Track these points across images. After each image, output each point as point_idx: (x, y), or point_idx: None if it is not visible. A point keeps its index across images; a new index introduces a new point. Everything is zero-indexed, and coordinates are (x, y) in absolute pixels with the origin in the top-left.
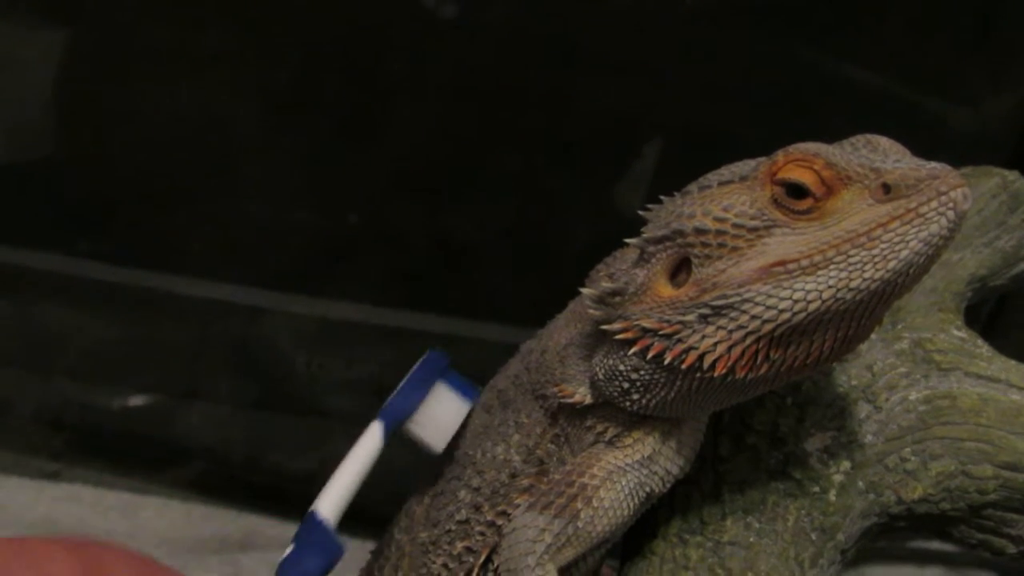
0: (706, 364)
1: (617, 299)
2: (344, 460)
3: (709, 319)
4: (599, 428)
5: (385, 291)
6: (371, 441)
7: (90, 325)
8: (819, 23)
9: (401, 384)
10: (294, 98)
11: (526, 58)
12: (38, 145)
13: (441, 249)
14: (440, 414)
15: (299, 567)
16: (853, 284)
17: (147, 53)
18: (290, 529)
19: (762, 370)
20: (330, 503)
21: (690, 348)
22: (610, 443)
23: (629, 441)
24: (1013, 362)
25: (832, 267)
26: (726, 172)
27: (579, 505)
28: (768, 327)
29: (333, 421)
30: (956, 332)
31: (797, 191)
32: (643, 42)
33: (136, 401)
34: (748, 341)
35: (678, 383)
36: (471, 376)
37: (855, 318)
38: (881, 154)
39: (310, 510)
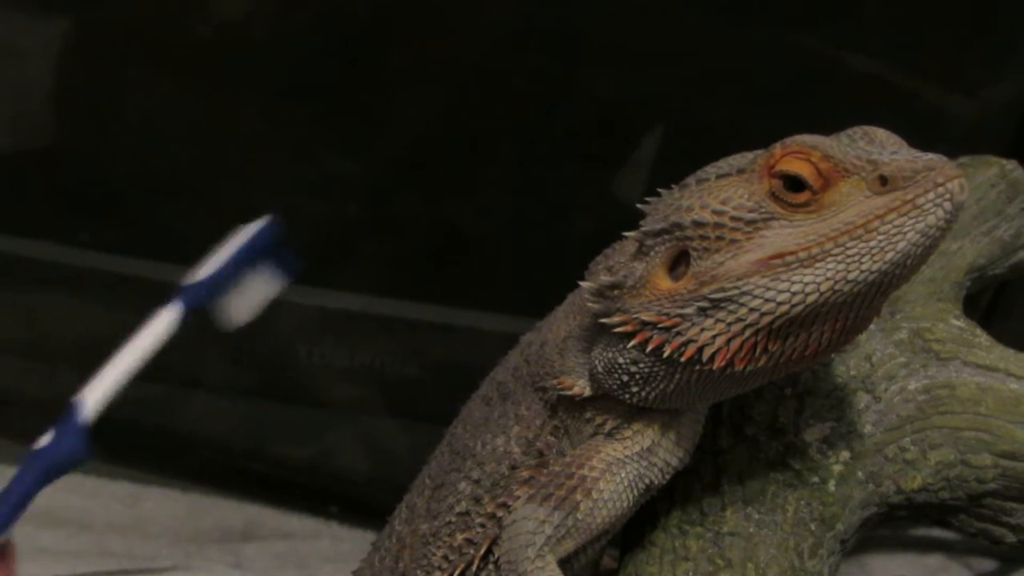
0: (705, 357)
1: (616, 292)
2: (128, 345)
3: (708, 312)
4: (598, 420)
5: (386, 281)
6: (162, 328)
7: (91, 314)
8: (818, 12)
9: (215, 262)
10: (295, 88)
11: (527, 48)
12: (39, 135)
13: (441, 239)
14: (246, 296)
15: (43, 460)
16: (851, 276)
17: (147, 42)
18: (291, 519)
19: (761, 362)
20: (96, 399)
21: (689, 341)
22: (609, 435)
23: (628, 433)
24: (1012, 351)
25: (830, 259)
26: (724, 165)
27: (579, 497)
28: (766, 319)
29: (334, 411)
30: (955, 322)
31: (794, 183)
32: (643, 32)
33: (137, 391)
34: (747, 334)
35: (677, 376)
36: (471, 370)
37: (853, 309)
38: (878, 146)
39: (74, 401)
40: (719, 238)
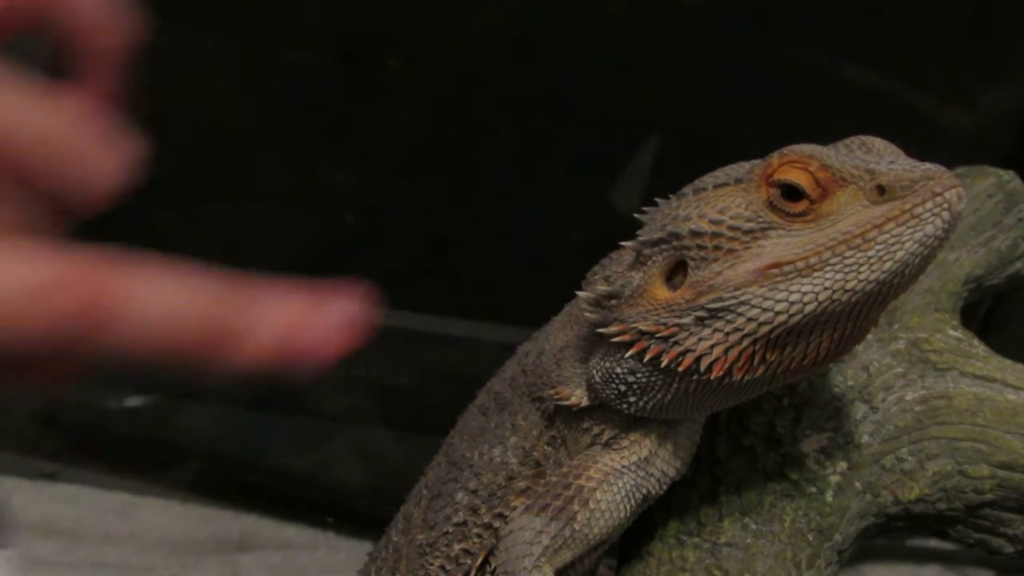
0: (703, 366)
1: (613, 302)
2: None
3: (705, 322)
4: (596, 430)
5: (382, 291)
6: None
7: None
8: (815, 23)
9: None
10: (290, 97)
11: (524, 57)
12: None
13: (438, 249)
14: None
15: None
16: (848, 285)
17: (143, 51)
18: (288, 529)
19: (758, 372)
20: None
21: (687, 351)
22: (607, 445)
23: (626, 443)
24: (1009, 362)
25: (828, 269)
26: (721, 174)
27: (576, 507)
28: (764, 329)
29: (330, 421)
30: (952, 332)
31: (792, 193)
32: (640, 42)
33: (134, 401)
34: (744, 343)
35: (675, 385)
36: (468, 380)
37: (851, 319)
38: (876, 155)
39: None
40: (716, 248)
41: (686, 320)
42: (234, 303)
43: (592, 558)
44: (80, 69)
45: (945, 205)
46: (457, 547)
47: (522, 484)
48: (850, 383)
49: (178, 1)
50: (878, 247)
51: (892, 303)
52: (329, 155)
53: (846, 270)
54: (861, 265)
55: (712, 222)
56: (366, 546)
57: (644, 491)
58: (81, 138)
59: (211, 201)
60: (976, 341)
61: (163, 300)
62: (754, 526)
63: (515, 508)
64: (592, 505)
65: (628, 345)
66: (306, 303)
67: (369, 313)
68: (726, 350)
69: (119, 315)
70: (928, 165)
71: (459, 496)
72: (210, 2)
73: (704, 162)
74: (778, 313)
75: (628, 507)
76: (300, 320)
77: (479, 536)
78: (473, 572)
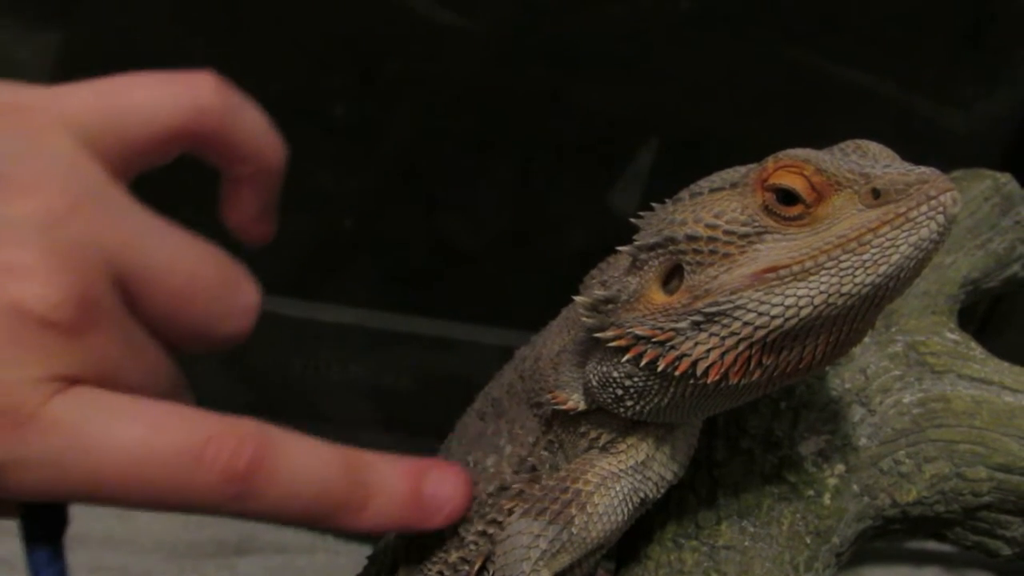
0: (699, 371)
1: (610, 306)
2: None
3: (702, 326)
4: (593, 434)
5: (381, 295)
6: None
7: None
8: (813, 27)
9: None
10: (290, 101)
11: (522, 61)
12: None
13: (437, 253)
14: None
15: None
16: (844, 289)
17: (141, 56)
18: (287, 533)
19: (755, 376)
20: None
21: (683, 355)
22: (604, 449)
23: (623, 447)
24: (1006, 364)
25: (823, 272)
26: (717, 179)
27: (573, 511)
28: (761, 333)
29: (329, 425)
30: (949, 335)
31: (788, 197)
32: (639, 46)
33: None
34: (741, 347)
35: (672, 390)
36: (466, 383)
37: (847, 322)
38: (871, 159)
39: None
40: (712, 252)
41: (682, 324)
42: (356, 474)
43: (590, 562)
44: (233, 191)
45: (940, 208)
46: (454, 554)
47: (516, 487)
48: (847, 386)
49: (177, 2)
50: (873, 251)
51: (889, 306)
52: (327, 158)
53: (841, 274)
54: (856, 269)
55: (708, 226)
56: (365, 550)
57: (642, 495)
58: (221, 282)
59: (211, 203)
60: (973, 343)
61: (302, 471)
62: (752, 529)
63: (510, 512)
64: (590, 509)
65: (625, 349)
66: (414, 475)
67: (464, 488)
68: (722, 354)
69: (265, 484)
70: (923, 169)
71: None
72: (208, 5)
73: (701, 166)
74: (774, 317)
75: (626, 511)
76: (412, 492)
77: (475, 543)
78: None
